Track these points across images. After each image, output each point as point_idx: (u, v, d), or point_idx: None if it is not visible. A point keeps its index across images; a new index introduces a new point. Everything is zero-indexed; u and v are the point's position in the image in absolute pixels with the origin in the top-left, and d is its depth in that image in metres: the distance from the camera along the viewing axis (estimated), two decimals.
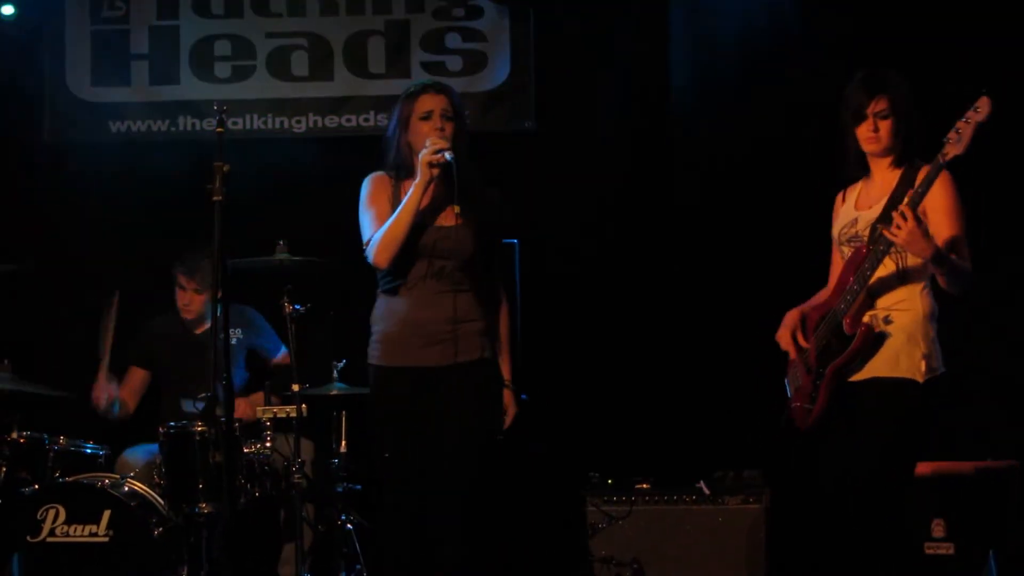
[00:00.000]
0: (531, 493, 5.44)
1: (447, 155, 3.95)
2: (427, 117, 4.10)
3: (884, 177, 3.93)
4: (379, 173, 4.22)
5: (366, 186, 4.21)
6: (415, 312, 4.09)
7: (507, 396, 4.23)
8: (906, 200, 3.72)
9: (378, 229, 4.07)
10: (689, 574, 5.06)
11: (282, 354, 5.42)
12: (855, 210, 3.98)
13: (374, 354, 4.18)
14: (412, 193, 4.00)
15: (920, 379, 3.79)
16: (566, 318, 5.74)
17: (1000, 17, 5.42)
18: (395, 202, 4.10)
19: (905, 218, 3.59)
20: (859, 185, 4.03)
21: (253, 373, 5.41)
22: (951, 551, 4.86)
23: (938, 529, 4.87)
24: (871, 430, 3.82)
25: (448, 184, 3.98)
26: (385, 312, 4.17)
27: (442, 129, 4.07)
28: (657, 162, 5.93)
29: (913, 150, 3.88)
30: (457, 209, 3.95)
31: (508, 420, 4.21)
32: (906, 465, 3.89)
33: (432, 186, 4.03)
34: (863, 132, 3.89)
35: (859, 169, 4.00)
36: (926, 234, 3.62)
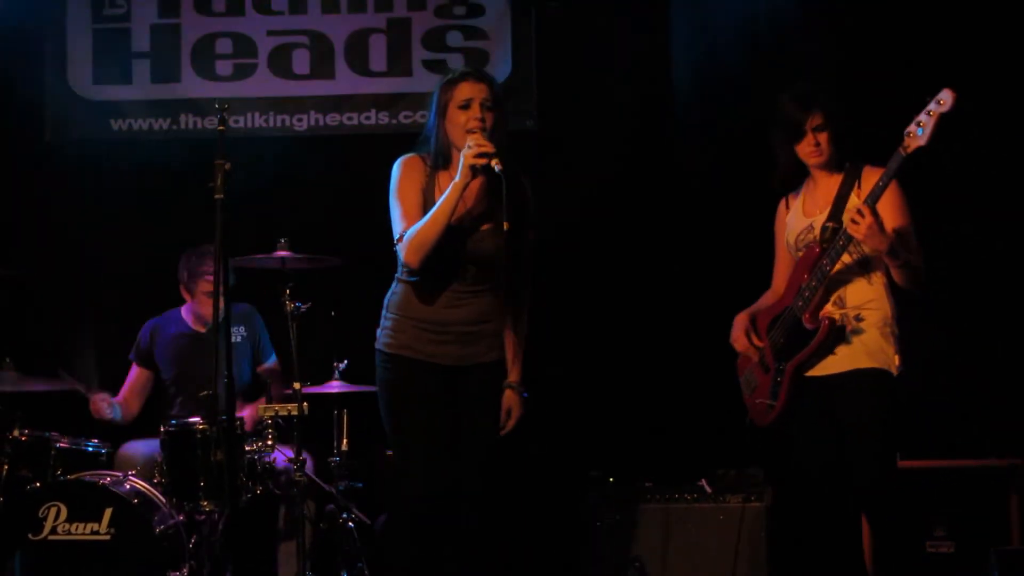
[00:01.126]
0: (532, 492, 5.43)
1: (496, 168, 3.74)
2: (466, 106, 3.89)
3: (827, 182, 4.06)
4: (411, 155, 4.01)
5: (397, 171, 3.99)
6: (435, 310, 3.93)
7: (513, 398, 4.04)
8: (854, 194, 3.90)
9: (408, 223, 3.88)
10: (691, 572, 5.06)
11: (271, 363, 5.40)
12: (805, 216, 4.09)
13: (386, 341, 3.99)
14: (450, 194, 3.80)
15: (894, 372, 3.92)
16: (567, 317, 5.73)
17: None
18: (428, 192, 3.94)
19: (863, 214, 3.71)
20: (800, 192, 4.14)
21: (254, 375, 5.42)
22: (951, 549, 4.87)
23: (938, 528, 4.88)
24: (863, 419, 3.89)
25: (494, 193, 3.82)
26: (403, 301, 3.97)
27: (482, 120, 3.87)
28: (659, 161, 5.92)
29: (848, 151, 4.03)
30: (507, 226, 3.72)
31: (512, 422, 4.02)
32: (895, 454, 3.99)
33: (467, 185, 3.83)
34: (804, 148, 4.02)
35: (798, 179, 4.13)
36: (882, 228, 3.74)
